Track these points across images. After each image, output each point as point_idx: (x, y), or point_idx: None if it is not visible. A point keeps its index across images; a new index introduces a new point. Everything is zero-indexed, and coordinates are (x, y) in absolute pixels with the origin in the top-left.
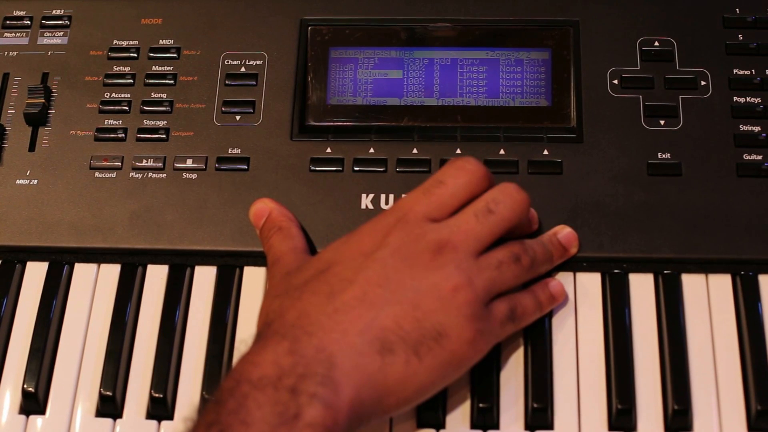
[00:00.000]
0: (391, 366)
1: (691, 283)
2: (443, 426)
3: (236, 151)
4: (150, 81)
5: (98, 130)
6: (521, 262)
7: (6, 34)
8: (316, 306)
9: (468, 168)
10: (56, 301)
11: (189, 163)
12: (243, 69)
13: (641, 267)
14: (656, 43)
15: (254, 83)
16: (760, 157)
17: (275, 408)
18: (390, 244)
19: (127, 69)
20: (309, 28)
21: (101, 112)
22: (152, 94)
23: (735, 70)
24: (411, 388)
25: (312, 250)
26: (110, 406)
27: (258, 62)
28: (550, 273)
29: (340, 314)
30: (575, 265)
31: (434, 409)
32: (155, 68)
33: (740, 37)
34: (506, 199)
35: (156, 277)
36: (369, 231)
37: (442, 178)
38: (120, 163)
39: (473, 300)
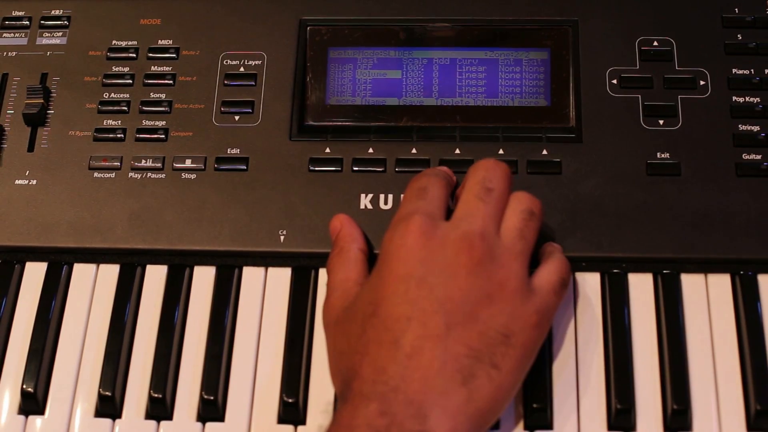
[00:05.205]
0: (478, 391)
1: (691, 283)
2: None
3: (235, 151)
4: (149, 81)
5: (97, 130)
6: (534, 213)
7: (5, 35)
8: (387, 357)
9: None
10: (55, 302)
11: (188, 163)
12: (242, 69)
13: (640, 267)
14: (655, 43)
15: (253, 83)
16: (759, 157)
17: None
18: (421, 259)
19: (126, 69)
20: (308, 28)
21: (100, 112)
22: (151, 94)
23: (734, 70)
24: (501, 399)
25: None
26: (109, 406)
27: (257, 62)
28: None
29: (414, 360)
30: (575, 265)
31: None
32: (154, 68)
33: (739, 36)
34: (495, 174)
35: (155, 277)
36: (396, 251)
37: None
38: (119, 164)
39: (517, 286)
